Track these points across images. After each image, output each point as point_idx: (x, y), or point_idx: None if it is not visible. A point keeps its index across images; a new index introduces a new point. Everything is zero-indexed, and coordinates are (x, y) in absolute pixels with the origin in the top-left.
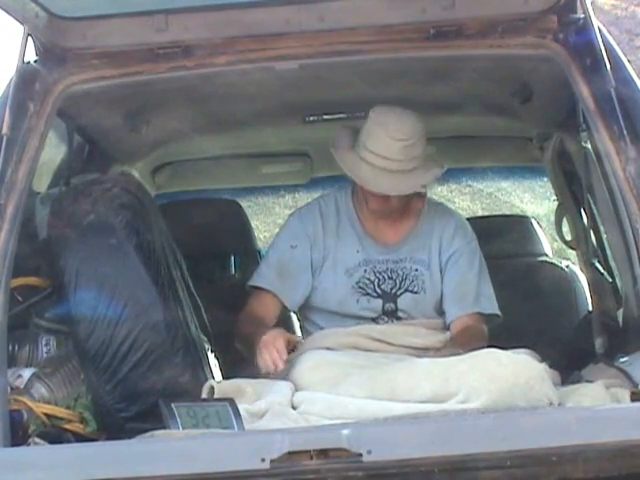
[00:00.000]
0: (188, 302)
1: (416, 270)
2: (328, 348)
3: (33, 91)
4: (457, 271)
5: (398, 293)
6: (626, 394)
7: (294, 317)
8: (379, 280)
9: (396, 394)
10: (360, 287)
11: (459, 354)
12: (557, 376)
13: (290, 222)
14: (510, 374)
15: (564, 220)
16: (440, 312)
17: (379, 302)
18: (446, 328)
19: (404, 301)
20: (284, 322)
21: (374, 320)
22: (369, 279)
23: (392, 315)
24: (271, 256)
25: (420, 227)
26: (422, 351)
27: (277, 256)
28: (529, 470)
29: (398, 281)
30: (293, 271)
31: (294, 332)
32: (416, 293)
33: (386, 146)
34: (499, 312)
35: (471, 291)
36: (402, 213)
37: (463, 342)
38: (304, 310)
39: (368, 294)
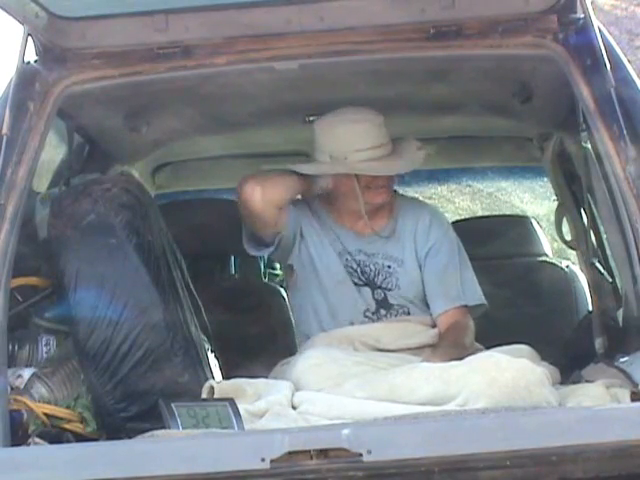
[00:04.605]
0: (188, 302)
1: (388, 267)
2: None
3: (33, 91)
4: (438, 263)
5: (376, 288)
6: (626, 394)
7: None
8: (361, 269)
9: (396, 396)
10: (348, 272)
11: (453, 353)
12: (556, 372)
13: None
14: (510, 379)
15: (564, 220)
16: (423, 306)
17: (368, 291)
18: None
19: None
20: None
21: (367, 314)
22: (352, 267)
23: (383, 305)
24: None
25: (392, 224)
26: (418, 350)
27: None
28: (529, 470)
29: (371, 277)
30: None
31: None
32: (389, 290)
33: (367, 137)
34: (484, 301)
35: (454, 283)
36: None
37: (453, 339)
38: (297, 312)
39: (355, 284)
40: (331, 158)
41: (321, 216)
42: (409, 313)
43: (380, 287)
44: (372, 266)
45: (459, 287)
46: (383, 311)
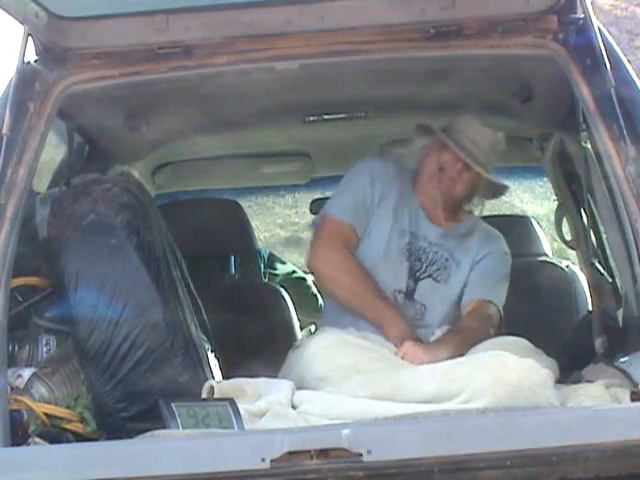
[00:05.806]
0: (188, 302)
1: (446, 260)
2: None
3: (33, 91)
4: (485, 266)
5: (421, 277)
6: (626, 394)
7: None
8: (410, 257)
9: (400, 392)
10: (400, 251)
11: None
12: (554, 364)
13: (368, 162)
14: (515, 378)
15: (564, 220)
16: (456, 307)
17: (405, 274)
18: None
19: (424, 287)
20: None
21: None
22: (408, 250)
23: (409, 296)
24: (350, 188)
25: (463, 228)
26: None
27: (354, 190)
28: (529, 470)
29: (425, 264)
30: (367, 206)
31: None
32: (437, 282)
33: (480, 133)
34: (502, 313)
35: (491, 285)
36: (452, 210)
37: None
38: None
39: (401, 261)
40: (443, 128)
41: (406, 195)
42: (423, 314)
43: (430, 276)
44: (431, 255)
45: (494, 288)
46: (407, 299)
